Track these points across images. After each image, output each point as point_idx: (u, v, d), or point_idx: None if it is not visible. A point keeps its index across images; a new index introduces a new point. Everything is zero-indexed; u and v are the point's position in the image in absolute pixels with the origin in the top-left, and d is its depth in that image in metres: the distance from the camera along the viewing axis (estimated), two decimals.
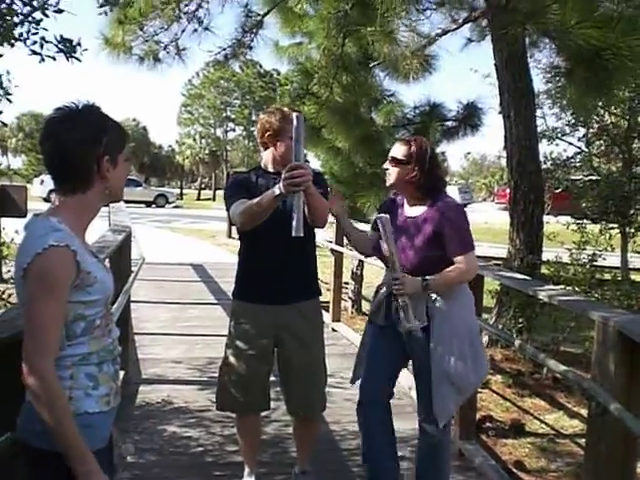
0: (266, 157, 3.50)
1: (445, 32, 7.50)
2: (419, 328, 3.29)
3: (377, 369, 3.54)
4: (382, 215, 3.31)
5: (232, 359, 3.51)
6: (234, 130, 59.48)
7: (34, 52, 3.58)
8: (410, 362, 3.60)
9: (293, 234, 2.80)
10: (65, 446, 1.84)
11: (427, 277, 3.26)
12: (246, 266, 3.54)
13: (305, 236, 2.91)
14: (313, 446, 3.86)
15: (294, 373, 3.51)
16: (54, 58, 3.73)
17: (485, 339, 7.04)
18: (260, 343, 3.45)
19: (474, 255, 3.35)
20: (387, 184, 3.48)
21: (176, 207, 38.16)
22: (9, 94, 3.74)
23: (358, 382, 3.61)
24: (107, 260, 4.74)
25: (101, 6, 4.03)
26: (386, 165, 3.45)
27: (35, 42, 3.58)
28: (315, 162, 9.45)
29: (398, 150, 3.42)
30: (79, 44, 3.68)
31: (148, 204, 36.23)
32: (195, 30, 7.82)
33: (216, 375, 3.67)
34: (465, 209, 3.49)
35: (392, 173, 3.41)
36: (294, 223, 2.81)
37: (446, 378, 3.30)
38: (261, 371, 3.51)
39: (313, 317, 3.58)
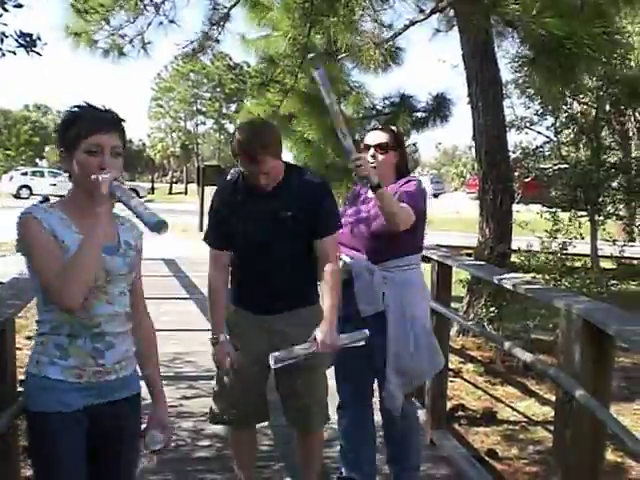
0: None
1: (413, 23, 7.48)
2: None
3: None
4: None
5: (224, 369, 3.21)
6: (205, 123, 59.28)
7: None
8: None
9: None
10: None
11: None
12: (235, 272, 3.25)
13: (303, 245, 2.97)
14: (318, 463, 3.45)
15: (290, 383, 3.18)
16: (14, 53, 3.69)
17: (455, 328, 7.08)
18: (253, 350, 3.13)
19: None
20: (373, 173, 3.05)
21: (148, 201, 37.80)
22: None
23: None
24: None
25: None
26: (372, 153, 3.37)
27: None
28: (287, 155, 9.35)
29: (382, 137, 3.41)
30: (39, 38, 3.63)
31: None
32: (161, 23, 7.75)
33: (183, 370, 3.59)
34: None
35: (380, 160, 3.36)
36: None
37: (400, 368, 3.31)
38: (256, 380, 3.20)
39: (311, 323, 3.10)
